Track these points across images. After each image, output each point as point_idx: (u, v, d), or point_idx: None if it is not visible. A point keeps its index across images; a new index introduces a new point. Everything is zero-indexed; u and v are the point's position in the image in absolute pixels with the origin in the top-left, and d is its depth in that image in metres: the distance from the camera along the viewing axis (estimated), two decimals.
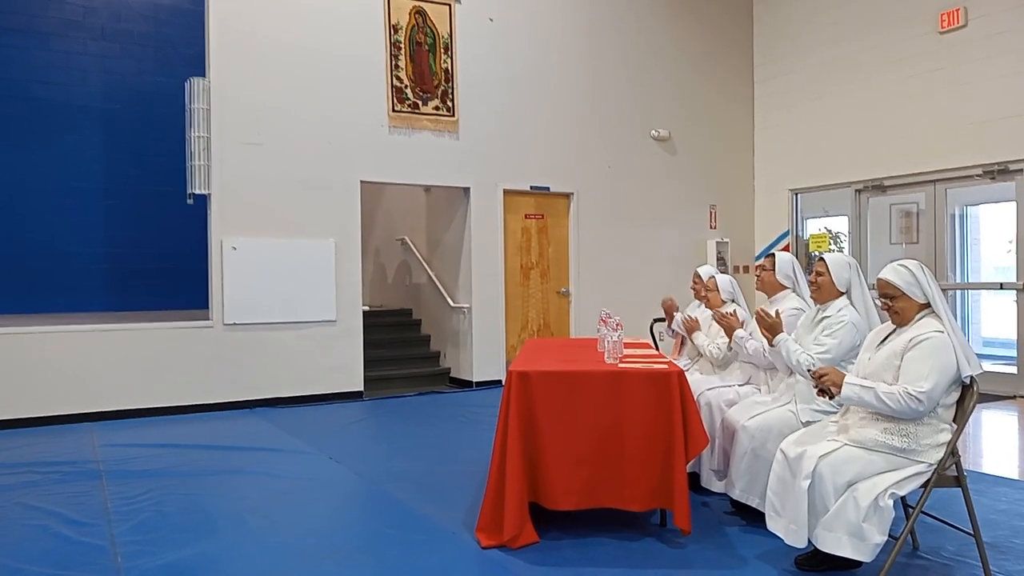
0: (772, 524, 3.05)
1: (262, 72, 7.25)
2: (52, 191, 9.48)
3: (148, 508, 4.07)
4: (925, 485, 2.87)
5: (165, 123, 9.50)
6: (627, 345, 4.25)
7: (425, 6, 8.03)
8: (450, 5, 8.15)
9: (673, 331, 5.30)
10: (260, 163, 7.23)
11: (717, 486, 3.94)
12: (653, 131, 9.45)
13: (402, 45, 7.90)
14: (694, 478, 4.01)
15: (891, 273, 3.04)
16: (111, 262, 9.80)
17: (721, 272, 4.89)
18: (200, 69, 7.27)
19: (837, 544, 2.79)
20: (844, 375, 2.96)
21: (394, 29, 7.86)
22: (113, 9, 9.92)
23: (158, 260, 9.96)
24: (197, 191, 7.04)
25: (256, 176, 7.21)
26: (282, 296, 7.28)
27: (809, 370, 3.28)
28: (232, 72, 7.13)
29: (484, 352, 8.37)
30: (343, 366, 7.62)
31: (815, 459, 2.88)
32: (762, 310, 3.65)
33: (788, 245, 9.72)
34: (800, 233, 9.79)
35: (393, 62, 7.86)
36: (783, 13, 9.81)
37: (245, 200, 7.17)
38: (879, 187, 8.74)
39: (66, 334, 6.62)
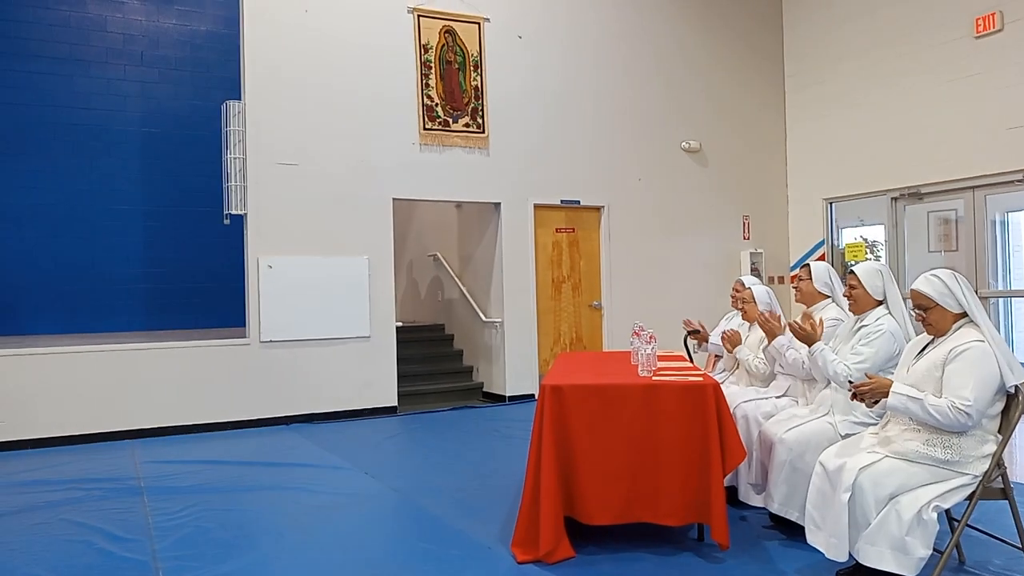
0: (812, 538, 3.01)
1: (295, 94, 7.38)
2: (94, 214, 9.73)
3: (188, 524, 4.13)
4: (970, 498, 2.81)
5: (202, 145, 9.71)
6: (661, 358, 4.23)
7: (455, 25, 8.12)
8: (479, 23, 8.24)
9: (708, 352, 5.25)
10: (294, 183, 7.35)
11: (755, 500, 3.89)
12: (684, 143, 9.42)
13: (432, 64, 8.00)
14: (731, 492, 3.96)
15: (924, 284, 2.99)
16: (151, 282, 10.01)
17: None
18: (235, 92, 7.43)
19: (880, 558, 2.74)
20: (891, 383, 2.91)
21: (424, 49, 7.96)
22: (151, 36, 10.19)
23: (196, 279, 10.15)
24: (233, 211, 7.18)
25: (291, 196, 7.33)
26: (317, 313, 7.37)
27: (849, 380, 3.23)
28: (266, 95, 7.27)
29: (517, 366, 8.37)
30: (377, 382, 7.67)
31: (855, 471, 2.83)
32: (795, 322, 3.61)
33: (823, 255, 9.60)
34: (835, 243, 9.67)
35: (424, 81, 7.95)
36: (814, 21, 9.74)
37: (280, 219, 7.29)
38: (916, 195, 8.60)
39: (108, 353, 6.77)
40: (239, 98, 7.29)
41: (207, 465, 5.60)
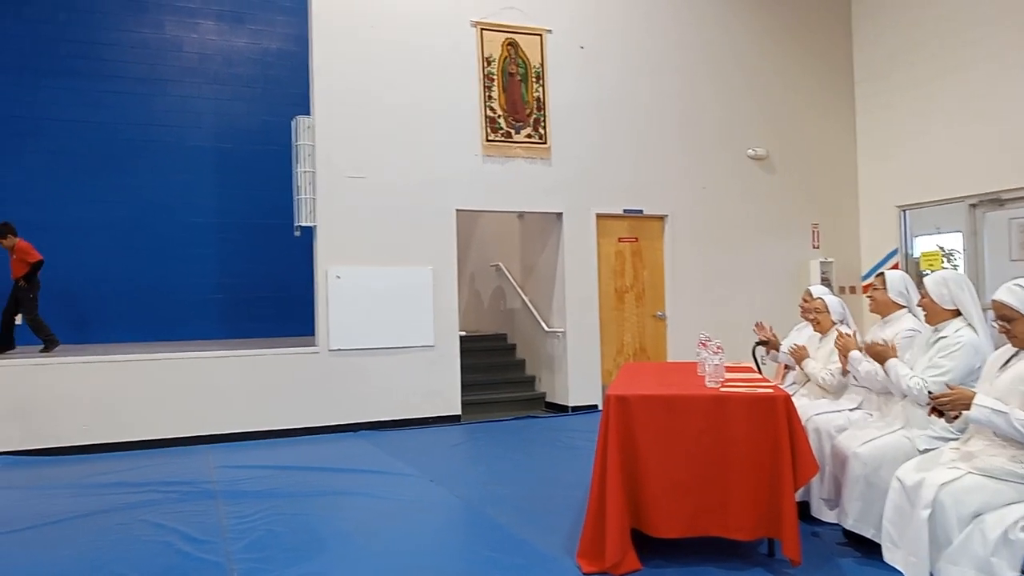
0: (890, 556, 2.91)
1: (362, 108, 7.55)
2: (170, 227, 10.10)
3: (260, 527, 4.24)
4: None
5: (273, 160, 9.99)
6: (729, 369, 4.16)
7: (517, 37, 8.19)
8: (541, 35, 8.28)
9: (777, 361, 5.14)
10: (362, 195, 7.51)
11: (828, 515, 3.78)
12: (750, 150, 9.26)
13: (495, 76, 8.08)
14: (803, 507, 3.86)
15: (1006, 294, 2.87)
16: (225, 292, 10.33)
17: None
18: (305, 108, 7.64)
19: None
20: (973, 394, 2.80)
21: (487, 61, 8.05)
22: (225, 55, 10.57)
23: (268, 290, 10.43)
24: (304, 223, 7.37)
25: (358, 208, 7.49)
26: (383, 322, 7.50)
27: (928, 392, 3.12)
28: (334, 110, 7.46)
29: (579, 377, 8.34)
30: (441, 390, 7.75)
31: (935, 487, 2.73)
32: (872, 341, 3.51)
33: (897, 264, 9.30)
34: (910, 251, 9.35)
35: (487, 93, 8.03)
36: (884, 24, 9.47)
37: (348, 231, 7.45)
38: (996, 201, 8.26)
39: (185, 361, 7.02)
40: (308, 113, 7.50)
41: (278, 470, 5.74)
